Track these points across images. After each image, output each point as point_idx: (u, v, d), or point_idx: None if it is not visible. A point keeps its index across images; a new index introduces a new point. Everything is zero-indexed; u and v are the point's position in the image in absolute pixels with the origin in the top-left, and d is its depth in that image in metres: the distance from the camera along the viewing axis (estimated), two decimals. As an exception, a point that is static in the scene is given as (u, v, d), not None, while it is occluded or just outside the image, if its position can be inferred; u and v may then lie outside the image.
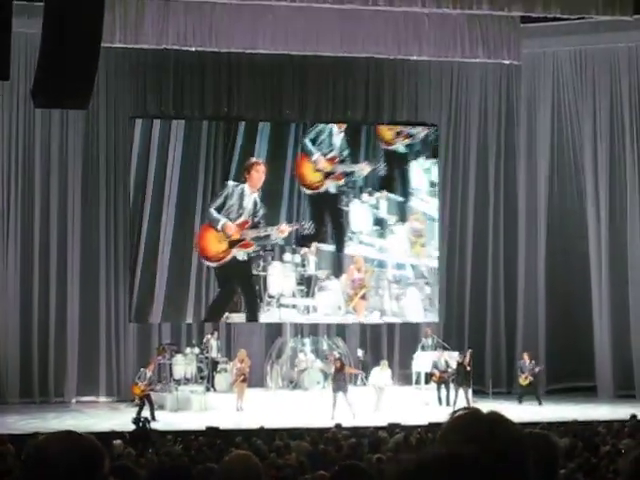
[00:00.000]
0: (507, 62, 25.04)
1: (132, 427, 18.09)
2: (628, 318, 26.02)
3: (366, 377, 25.10)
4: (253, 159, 25.14)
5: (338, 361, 23.08)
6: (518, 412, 20.87)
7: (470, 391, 23.74)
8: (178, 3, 22.07)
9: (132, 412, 21.08)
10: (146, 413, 21.09)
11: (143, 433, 17.12)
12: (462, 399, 23.26)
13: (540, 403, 24.28)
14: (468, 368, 23.85)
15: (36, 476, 2.78)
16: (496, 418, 2.23)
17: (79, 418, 22.18)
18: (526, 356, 25.11)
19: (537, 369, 24.91)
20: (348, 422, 19.35)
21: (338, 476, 5.12)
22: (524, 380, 24.79)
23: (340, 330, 26.53)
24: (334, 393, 22.06)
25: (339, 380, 22.32)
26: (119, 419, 20.92)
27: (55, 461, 2.72)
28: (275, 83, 26.50)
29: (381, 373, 23.55)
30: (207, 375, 24.41)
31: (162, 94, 26.17)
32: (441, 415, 2.43)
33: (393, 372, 24.51)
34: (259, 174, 24.71)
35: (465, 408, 2.32)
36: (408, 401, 23.58)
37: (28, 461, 2.85)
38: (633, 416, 18.32)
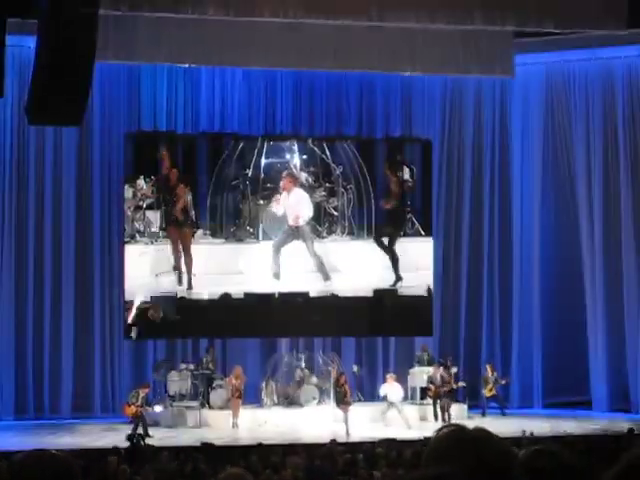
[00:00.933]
0: (501, 77, 25.04)
1: (127, 444, 18.06)
2: (623, 332, 26.01)
3: (361, 393, 25.06)
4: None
5: (343, 376, 23.09)
6: (513, 427, 20.87)
7: (457, 406, 23.81)
8: (171, 19, 22.04)
9: (127, 429, 21.04)
10: (141, 430, 21.06)
11: (137, 449, 17.10)
12: (457, 413, 23.30)
13: (483, 415, 24.45)
14: (454, 387, 23.97)
15: None
16: (481, 435, 2.21)
17: (74, 435, 22.10)
18: (489, 368, 25.18)
19: (503, 382, 24.96)
20: (342, 438, 19.34)
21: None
22: (489, 392, 24.86)
23: (335, 345, 26.52)
24: (346, 408, 22.08)
25: (344, 396, 22.30)
26: (114, 436, 20.84)
27: (30, 477, 2.79)
28: (268, 98, 26.53)
29: (392, 388, 23.44)
30: (202, 391, 24.37)
31: (156, 110, 26.18)
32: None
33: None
34: None
35: (452, 424, 2.30)
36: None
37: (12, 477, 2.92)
38: (630, 430, 18.30)
